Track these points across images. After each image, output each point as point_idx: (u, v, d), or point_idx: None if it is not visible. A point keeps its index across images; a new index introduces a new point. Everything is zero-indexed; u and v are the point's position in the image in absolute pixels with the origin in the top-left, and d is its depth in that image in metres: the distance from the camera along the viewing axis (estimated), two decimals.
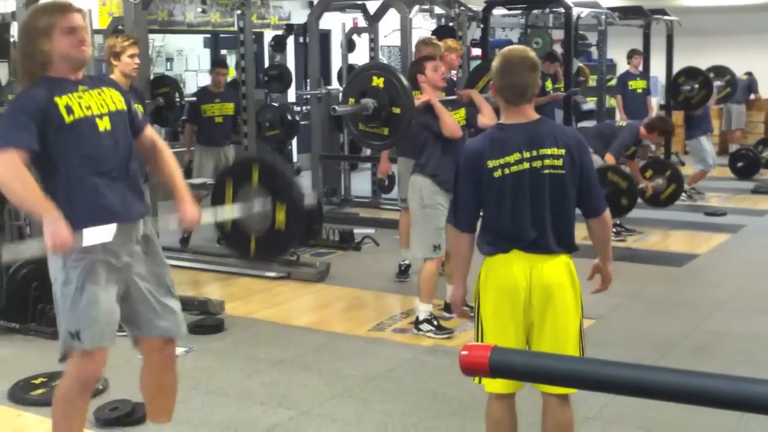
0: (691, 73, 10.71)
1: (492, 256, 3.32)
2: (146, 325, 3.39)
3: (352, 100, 5.36)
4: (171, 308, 3.42)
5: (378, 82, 5.29)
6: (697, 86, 10.53)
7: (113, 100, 3.25)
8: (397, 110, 5.22)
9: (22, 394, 4.55)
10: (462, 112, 5.72)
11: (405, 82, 5.29)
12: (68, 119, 3.10)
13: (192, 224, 3.41)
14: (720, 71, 11.89)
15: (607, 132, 8.25)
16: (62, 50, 3.14)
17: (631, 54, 11.52)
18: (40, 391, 4.54)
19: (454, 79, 7.65)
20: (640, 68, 11.60)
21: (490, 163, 3.27)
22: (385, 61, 13.79)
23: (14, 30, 7.15)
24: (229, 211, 3.84)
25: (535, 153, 3.25)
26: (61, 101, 3.11)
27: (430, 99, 5.44)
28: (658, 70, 12.66)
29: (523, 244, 3.27)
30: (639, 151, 8.45)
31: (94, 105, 3.18)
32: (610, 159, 8.01)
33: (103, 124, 3.18)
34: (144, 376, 3.52)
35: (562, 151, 3.25)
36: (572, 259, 3.35)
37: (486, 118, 5.52)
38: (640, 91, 11.33)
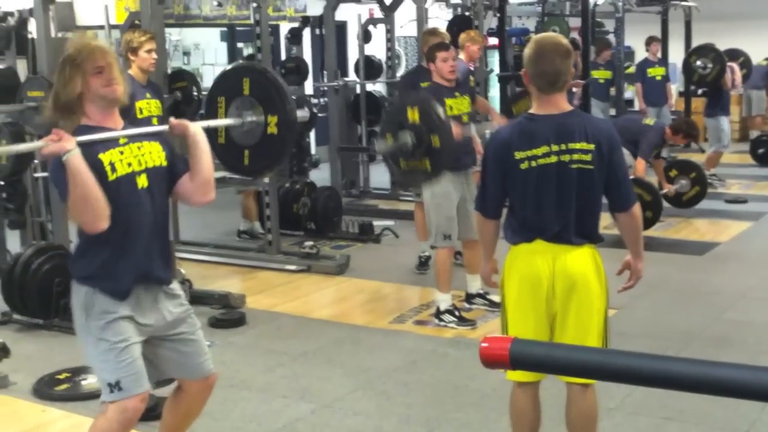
0: (701, 51, 10.67)
1: (516, 245, 3.34)
2: (194, 370, 3.36)
3: (389, 137, 5.36)
4: (204, 346, 3.41)
5: (413, 115, 5.30)
6: (710, 64, 10.47)
7: (152, 156, 3.21)
8: (436, 141, 5.23)
9: (47, 390, 4.59)
10: (466, 100, 5.72)
11: (440, 111, 5.30)
12: (111, 177, 3.07)
13: (176, 127, 3.28)
14: (734, 54, 11.80)
15: (633, 129, 8.21)
16: (93, 91, 3.11)
17: (650, 41, 11.45)
18: (64, 386, 4.58)
19: (472, 68, 7.63)
20: (659, 55, 11.54)
21: (518, 155, 3.26)
22: (401, 52, 13.79)
23: (32, 26, 7.18)
24: (221, 122, 3.84)
25: (564, 147, 3.22)
26: (105, 158, 3.08)
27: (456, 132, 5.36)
28: (676, 56, 12.58)
29: (546, 235, 3.27)
30: (664, 151, 8.48)
31: (135, 161, 3.15)
32: (641, 165, 8.05)
33: (141, 182, 3.15)
34: (176, 400, 3.45)
35: (592, 146, 3.21)
36: (598, 250, 3.34)
37: None
38: (659, 78, 11.28)
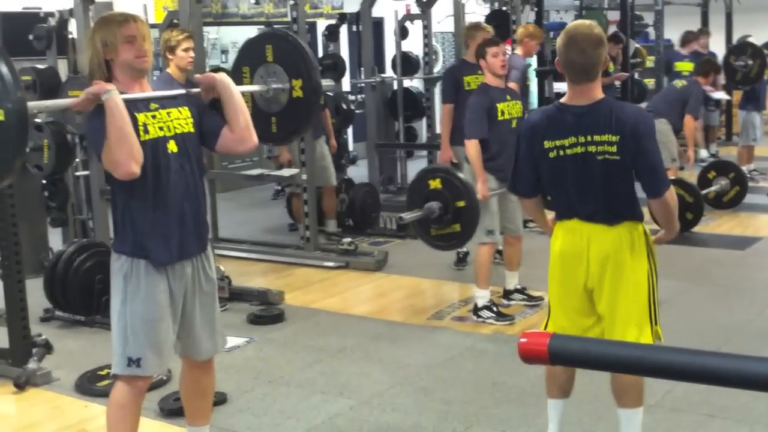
0: (739, 49, 10.49)
1: (559, 221, 3.42)
2: (194, 349, 3.44)
3: (416, 211, 5.45)
4: (217, 330, 3.48)
5: (435, 184, 5.37)
6: (750, 61, 10.32)
7: (181, 122, 3.27)
8: (461, 204, 5.28)
9: (89, 386, 4.65)
10: (518, 104, 5.67)
11: (461, 175, 5.38)
12: (144, 137, 3.14)
13: (207, 81, 3.36)
14: None
15: (672, 96, 8.16)
16: (123, 60, 3.18)
17: (699, 33, 11.33)
18: (106, 382, 4.61)
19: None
20: (707, 48, 11.39)
21: (546, 144, 3.31)
22: (439, 48, 13.73)
23: (72, 27, 7.26)
24: (247, 87, 3.87)
25: (589, 138, 3.23)
26: (140, 118, 3.16)
27: (480, 191, 5.37)
28: (716, 49, 12.44)
29: (581, 215, 3.34)
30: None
31: (165, 126, 3.22)
32: (690, 121, 8.04)
33: (171, 147, 3.21)
34: (184, 380, 3.57)
35: (617, 138, 3.20)
36: (640, 225, 3.34)
37: None
38: (686, 72, 11.13)
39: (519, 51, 7.38)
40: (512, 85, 6.98)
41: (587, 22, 3.38)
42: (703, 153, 10.02)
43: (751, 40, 10.90)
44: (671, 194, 3.31)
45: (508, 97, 5.60)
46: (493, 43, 5.65)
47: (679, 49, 11.33)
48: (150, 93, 3.28)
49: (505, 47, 5.84)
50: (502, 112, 5.49)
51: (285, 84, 3.87)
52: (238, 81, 3.96)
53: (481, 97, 5.53)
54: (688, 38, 11.21)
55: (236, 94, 3.36)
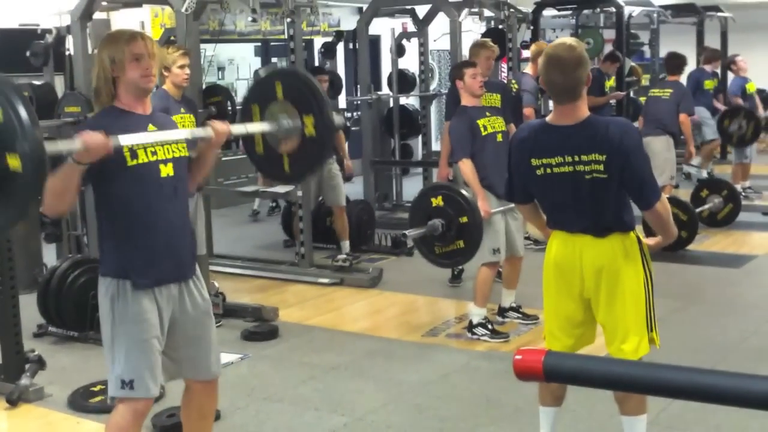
0: (733, 112, 10.47)
1: (553, 230, 3.45)
2: (195, 371, 3.40)
3: (420, 228, 5.46)
4: (215, 348, 3.44)
5: (437, 201, 5.39)
6: (744, 122, 10.32)
7: (179, 146, 3.25)
8: (464, 219, 5.29)
9: (82, 402, 4.63)
10: (500, 119, 5.66)
11: (463, 191, 5.39)
12: (131, 162, 3.11)
13: (222, 134, 3.36)
14: None
15: (666, 108, 8.13)
16: (129, 78, 3.16)
17: (701, 52, 11.38)
18: (99, 398, 4.61)
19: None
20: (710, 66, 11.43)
21: (534, 161, 3.33)
22: (435, 66, 13.77)
23: (69, 43, 7.28)
24: (258, 126, 3.86)
25: (577, 158, 3.24)
26: (126, 145, 3.11)
27: (482, 207, 5.35)
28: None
29: (571, 229, 3.36)
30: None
31: (161, 150, 3.18)
32: (686, 119, 8.07)
33: (166, 170, 3.19)
34: (185, 402, 3.51)
35: (603, 157, 3.21)
36: (632, 234, 3.35)
37: None
38: (711, 90, 11.16)
39: (529, 70, 7.30)
40: (527, 110, 6.98)
41: (568, 41, 3.36)
42: (703, 173, 10.04)
43: (739, 59, 10.89)
44: (662, 204, 3.32)
45: (488, 113, 5.62)
46: (470, 65, 5.68)
47: (704, 67, 11.24)
48: (156, 134, 3.21)
49: (481, 69, 5.80)
50: (485, 127, 5.50)
51: (296, 122, 3.81)
52: (248, 120, 3.92)
53: (460, 118, 5.55)
54: (715, 56, 11.14)
55: (213, 161, 3.53)
